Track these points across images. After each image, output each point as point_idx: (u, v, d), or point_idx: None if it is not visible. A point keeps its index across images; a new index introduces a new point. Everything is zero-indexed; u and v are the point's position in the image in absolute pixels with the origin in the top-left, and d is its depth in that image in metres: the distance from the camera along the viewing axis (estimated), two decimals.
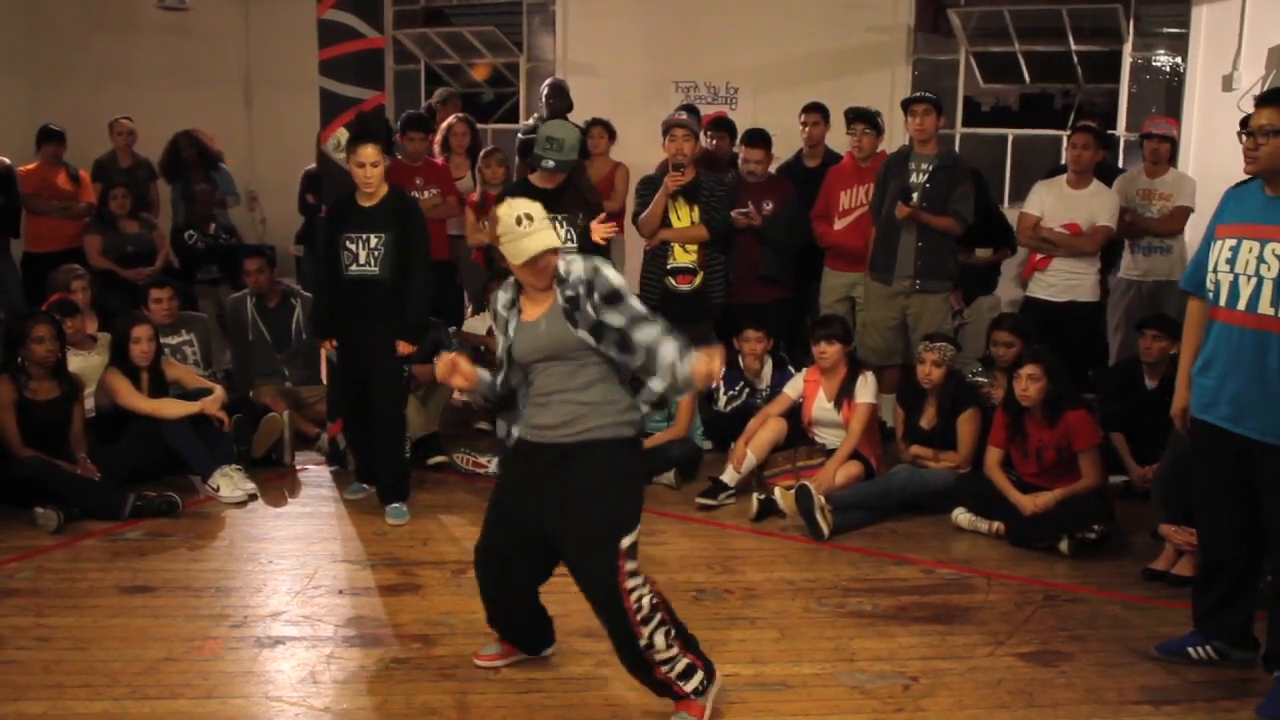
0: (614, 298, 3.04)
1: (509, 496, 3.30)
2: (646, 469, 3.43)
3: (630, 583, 3.04)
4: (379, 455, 5.12)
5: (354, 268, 4.92)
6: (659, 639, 3.07)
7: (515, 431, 3.27)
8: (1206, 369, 3.47)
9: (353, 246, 4.91)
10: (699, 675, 3.16)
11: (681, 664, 3.12)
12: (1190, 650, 3.64)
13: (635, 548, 3.08)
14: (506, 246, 3.05)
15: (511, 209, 3.05)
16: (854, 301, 6.29)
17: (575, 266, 3.10)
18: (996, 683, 3.54)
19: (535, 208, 3.07)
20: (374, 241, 4.89)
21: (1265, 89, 6.92)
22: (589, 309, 3.04)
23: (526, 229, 3.01)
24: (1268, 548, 3.42)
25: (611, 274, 3.08)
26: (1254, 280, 3.29)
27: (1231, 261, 3.36)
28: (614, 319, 3.05)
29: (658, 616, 3.08)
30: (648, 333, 3.04)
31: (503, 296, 3.25)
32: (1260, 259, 3.28)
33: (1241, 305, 3.33)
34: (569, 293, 3.07)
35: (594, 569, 3.07)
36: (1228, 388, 3.38)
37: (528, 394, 3.23)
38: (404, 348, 5.03)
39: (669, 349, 3.01)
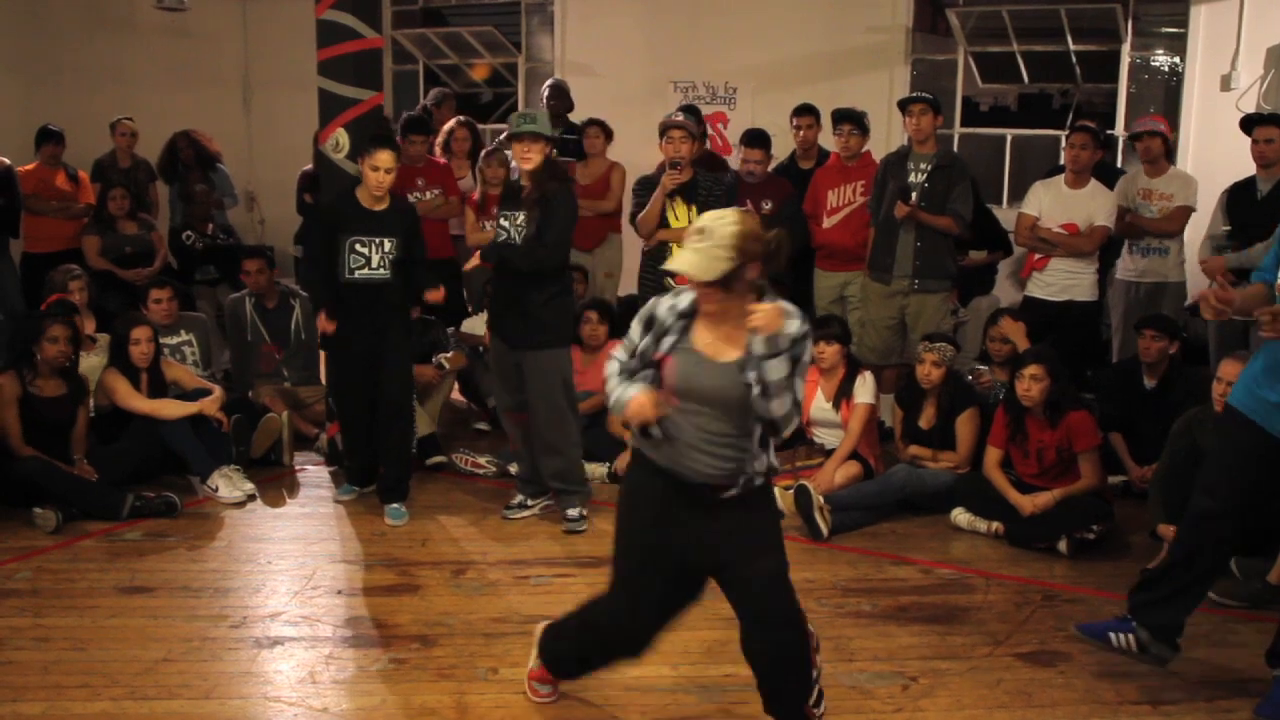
0: (798, 359, 2.78)
1: (657, 527, 3.01)
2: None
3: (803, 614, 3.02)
4: (387, 453, 5.10)
5: (363, 271, 4.91)
6: (820, 664, 3.09)
7: (651, 450, 2.95)
8: (1275, 383, 3.33)
9: (364, 250, 4.90)
10: (824, 699, 3.12)
11: (817, 690, 3.10)
12: (1112, 635, 3.61)
13: None
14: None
15: (702, 217, 2.81)
16: (846, 301, 6.30)
17: (795, 321, 2.80)
18: (996, 683, 3.54)
19: (722, 223, 2.77)
20: (388, 246, 4.92)
21: (1263, 89, 6.95)
22: (768, 366, 2.77)
23: (692, 244, 2.77)
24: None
25: (808, 345, 2.82)
26: None
27: None
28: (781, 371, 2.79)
29: (816, 641, 3.08)
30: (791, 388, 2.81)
31: (671, 302, 2.91)
32: None
33: None
34: (773, 349, 2.77)
35: (783, 608, 2.97)
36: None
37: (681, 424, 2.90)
38: (433, 295, 5.04)
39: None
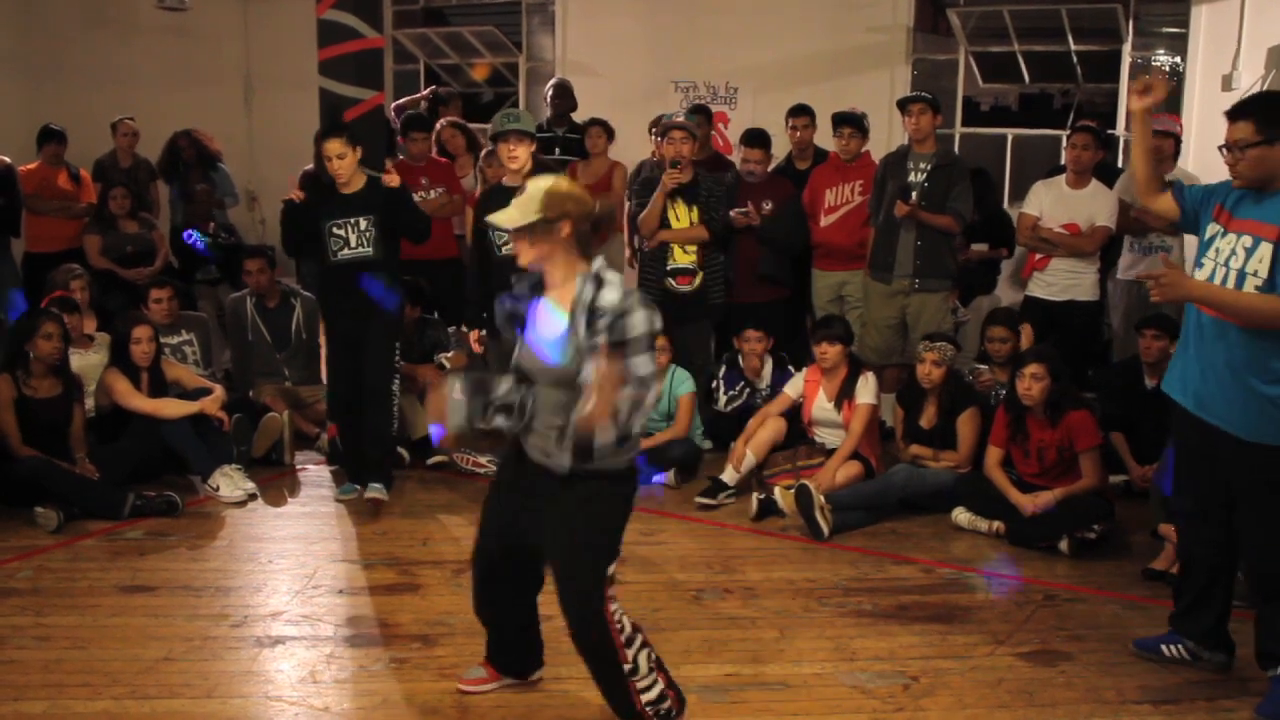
0: (635, 348, 2.78)
1: (504, 502, 3.16)
2: (633, 500, 3.12)
3: (613, 604, 2.97)
4: (368, 430, 5.16)
5: (345, 252, 5.06)
6: (642, 660, 3.00)
7: (519, 435, 3.05)
8: (1184, 349, 3.50)
9: (341, 232, 5.05)
10: (669, 705, 3.05)
11: (656, 692, 3.03)
12: (1164, 648, 3.67)
13: (613, 577, 2.99)
14: None
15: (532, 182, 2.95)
16: (844, 300, 6.30)
17: (609, 294, 2.83)
18: (997, 682, 3.54)
19: (536, 183, 2.91)
20: (363, 224, 5.05)
21: (1264, 88, 6.95)
22: (596, 339, 2.81)
23: (514, 201, 2.93)
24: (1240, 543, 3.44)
25: (637, 321, 2.79)
26: (1223, 270, 3.33)
27: (1217, 250, 3.39)
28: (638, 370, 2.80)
29: (639, 637, 3.01)
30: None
31: (518, 287, 3.05)
32: (1232, 252, 3.32)
33: None
34: (594, 314, 2.82)
35: (579, 588, 2.96)
36: (1194, 376, 3.41)
37: (532, 404, 2.99)
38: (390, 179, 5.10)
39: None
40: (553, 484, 2.96)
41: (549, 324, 2.93)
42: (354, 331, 5.13)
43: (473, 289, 5.29)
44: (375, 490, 5.10)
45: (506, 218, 2.91)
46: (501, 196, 4.85)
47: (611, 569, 2.98)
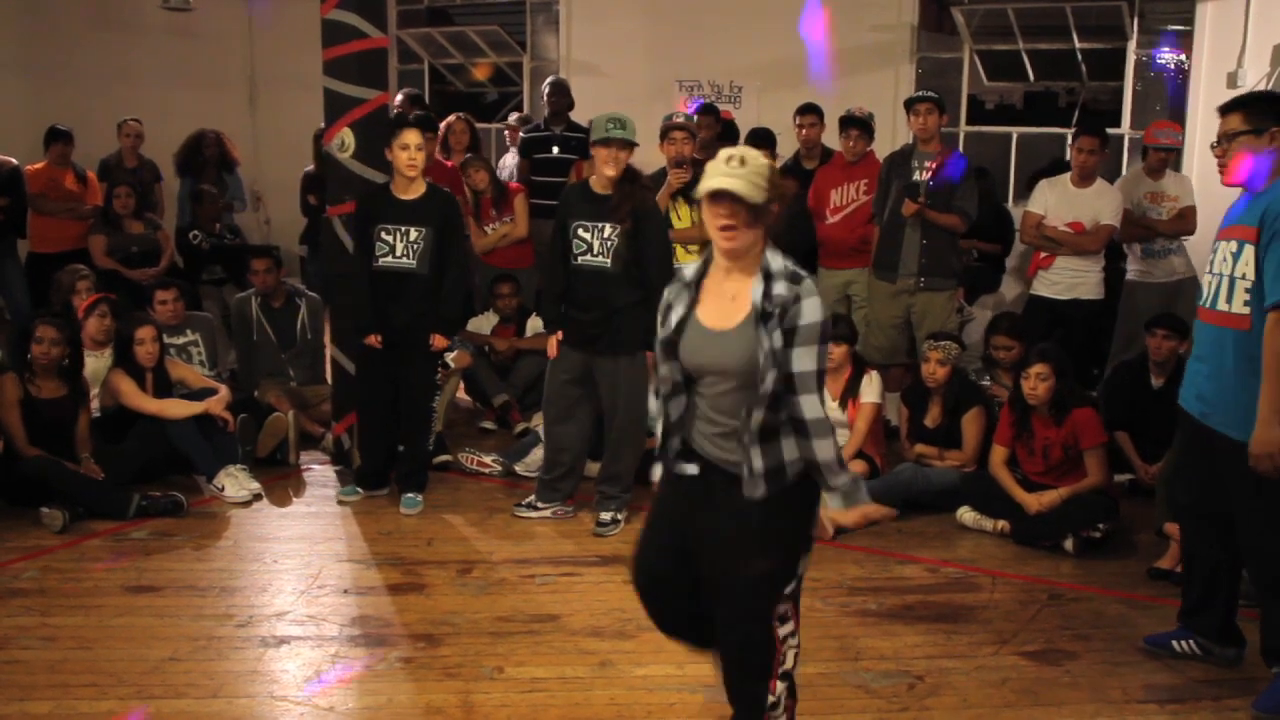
0: (801, 336, 2.60)
1: (673, 513, 2.89)
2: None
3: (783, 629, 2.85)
4: (406, 444, 5.12)
5: (388, 259, 4.89)
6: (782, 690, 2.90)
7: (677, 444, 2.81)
8: (1195, 363, 3.57)
9: (389, 238, 4.88)
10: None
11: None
12: (1175, 644, 3.69)
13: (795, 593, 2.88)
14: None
15: (730, 150, 2.63)
16: (850, 300, 6.30)
17: (780, 285, 2.64)
18: (1002, 682, 3.54)
19: (754, 155, 2.61)
20: (413, 235, 4.88)
21: (1269, 86, 6.94)
22: (775, 335, 2.60)
23: (730, 169, 2.57)
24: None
25: (811, 307, 2.62)
26: (1216, 279, 3.42)
27: (1212, 262, 3.50)
28: (793, 363, 2.62)
29: (785, 653, 2.91)
30: (811, 404, 2.68)
31: (677, 280, 2.78)
32: (1223, 259, 3.41)
33: (1206, 303, 3.47)
34: (769, 308, 2.61)
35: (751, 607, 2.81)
36: (1199, 382, 3.49)
37: (693, 401, 2.78)
38: (439, 341, 5.01)
39: (827, 447, 2.72)
40: (734, 490, 2.73)
41: (725, 315, 2.69)
42: (395, 343, 4.96)
43: (552, 289, 4.98)
44: (411, 506, 5.03)
45: (744, 189, 2.54)
46: (588, 199, 4.77)
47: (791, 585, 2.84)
